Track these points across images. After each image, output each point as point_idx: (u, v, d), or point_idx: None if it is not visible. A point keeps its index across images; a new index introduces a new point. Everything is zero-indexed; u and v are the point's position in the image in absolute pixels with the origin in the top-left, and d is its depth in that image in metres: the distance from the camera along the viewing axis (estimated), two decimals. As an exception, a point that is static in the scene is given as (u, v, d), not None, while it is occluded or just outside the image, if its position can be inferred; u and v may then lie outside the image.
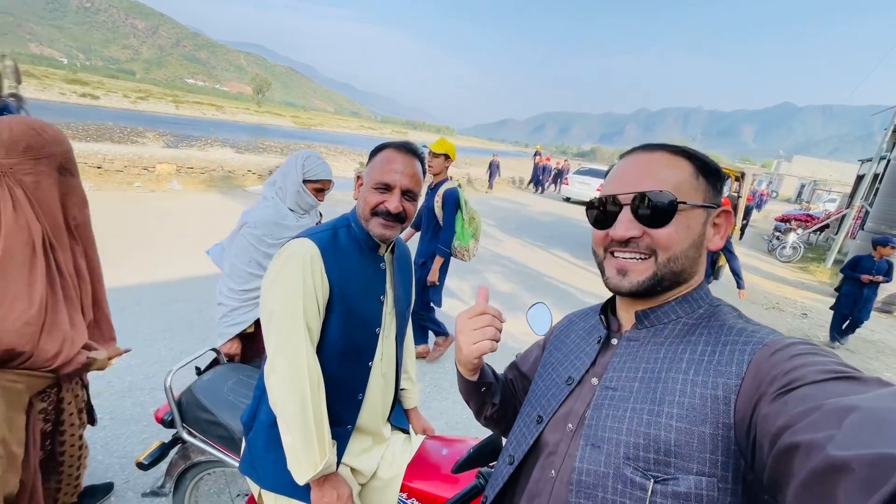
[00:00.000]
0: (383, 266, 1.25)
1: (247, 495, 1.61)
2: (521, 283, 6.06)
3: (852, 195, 14.76)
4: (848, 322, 5.59)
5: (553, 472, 0.69)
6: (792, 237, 11.87)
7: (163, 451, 1.47)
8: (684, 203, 0.65)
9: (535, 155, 17.70)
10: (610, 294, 0.78)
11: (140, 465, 1.42)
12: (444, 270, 3.44)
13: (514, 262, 7.08)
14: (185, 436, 1.45)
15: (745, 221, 11.55)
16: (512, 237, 8.88)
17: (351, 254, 1.17)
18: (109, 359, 1.52)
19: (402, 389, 1.45)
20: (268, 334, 1.09)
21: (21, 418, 1.33)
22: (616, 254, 0.69)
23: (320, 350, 1.14)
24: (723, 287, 7.82)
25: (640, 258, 0.67)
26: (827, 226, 14.30)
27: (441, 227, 3.28)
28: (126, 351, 1.63)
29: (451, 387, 3.26)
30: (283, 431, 1.07)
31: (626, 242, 0.67)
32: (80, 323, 1.44)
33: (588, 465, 0.63)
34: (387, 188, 1.14)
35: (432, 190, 3.31)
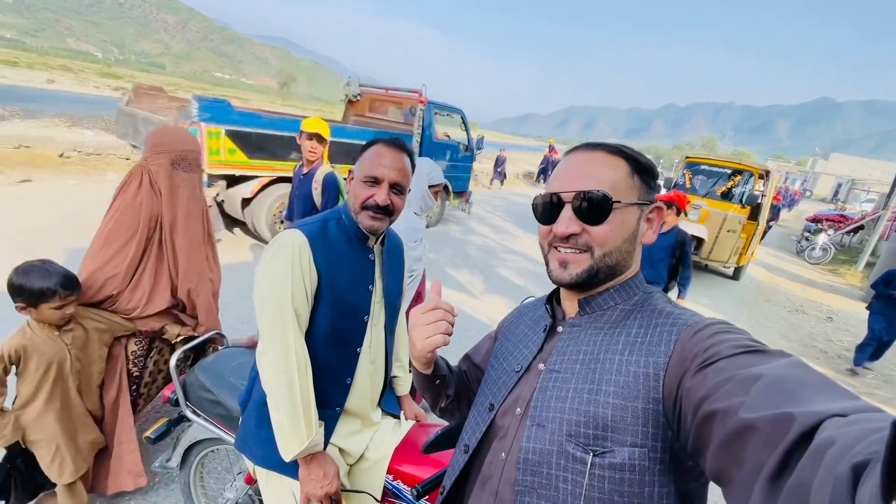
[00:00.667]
0: (372, 257, 1.29)
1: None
2: (533, 278, 6.05)
3: (889, 195, 14.07)
4: (876, 345, 4.69)
5: (503, 454, 0.73)
6: (822, 238, 11.43)
7: (168, 427, 1.56)
8: (619, 202, 0.69)
9: (549, 149, 17.48)
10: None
11: (148, 440, 1.51)
12: None
13: (528, 258, 7.05)
14: (189, 414, 1.53)
15: (770, 223, 11.08)
16: (527, 233, 8.84)
17: (340, 244, 1.22)
18: (178, 334, 1.87)
19: (394, 377, 1.50)
20: (260, 319, 1.15)
21: (103, 350, 1.72)
22: (559, 248, 0.73)
23: (309, 335, 1.20)
24: (741, 287, 7.62)
25: (579, 252, 0.71)
26: (862, 227, 13.70)
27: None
28: (207, 333, 1.85)
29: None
30: (273, 410, 1.13)
31: (566, 238, 0.71)
32: (162, 292, 1.80)
33: (534, 444, 0.67)
34: (375, 181, 1.18)
35: (306, 176, 2.85)
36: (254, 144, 4.80)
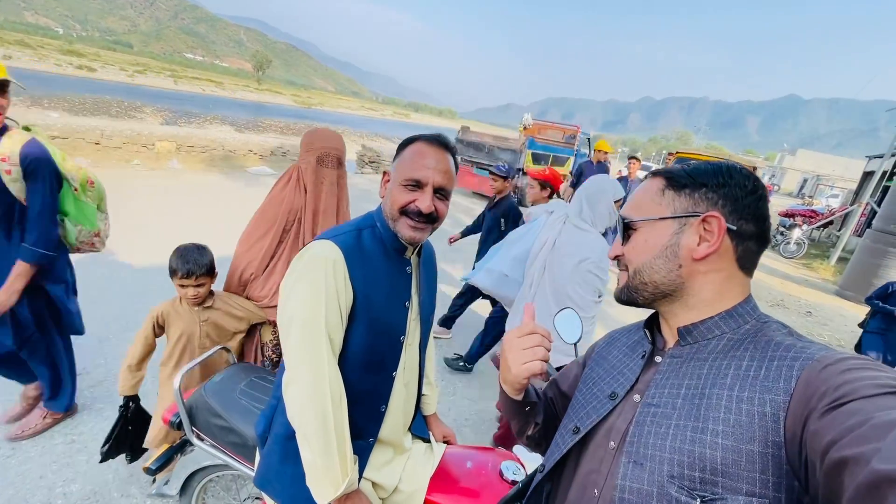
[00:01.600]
0: (409, 270, 1.16)
1: (258, 498, 1.56)
2: (526, 273, 5.99)
3: (857, 191, 14.64)
4: None
5: (596, 490, 0.68)
6: (797, 233, 11.78)
7: (170, 455, 1.41)
8: (633, 220, 0.72)
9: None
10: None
11: (147, 471, 1.36)
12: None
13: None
14: (195, 440, 1.37)
15: None
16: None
17: (376, 257, 1.08)
18: None
19: (422, 395, 1.38)
20: (286, 342, 1.01)
21: (236, 334, 1.81)
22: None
23: (343, 361, 1.06)
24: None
25: (624, 271, 0.75)
26: (831, 222, 14.22)
27: (28, 216, 1.77)
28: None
29: (458, 381, 3.21)
30: (303, 447, 1.00)
31: (618, 260, 0.77)
32: None
33: (631, 483, 0.62)
34: (417, 185, 1.04)
35: None
36: None
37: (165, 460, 1.39)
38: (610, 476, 0.66)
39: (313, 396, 0.98)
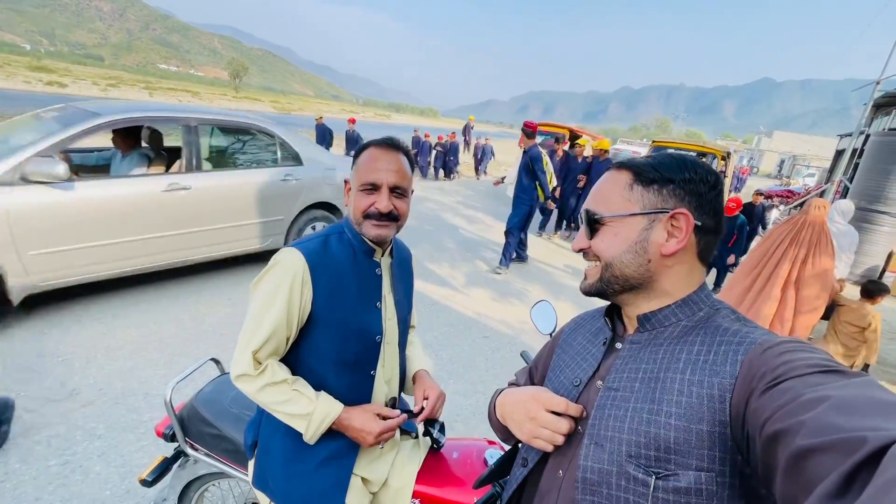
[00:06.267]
0: (379, 272, 1.22)
1: (254, 503, 1.59)
2: (513, 270, 6.07)
3: (832, 169, 15.00)
4: None
5: (560, 471, 0.72)
6: (774, 213, 12.07)
7: (165, 466, 1.44)
8: (604, 216, 0.73)
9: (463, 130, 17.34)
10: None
11: (144, 483, 1.38)
12: None
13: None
14: (189, 450, 1.41)
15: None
16: (499, 222, 8.85)
17: (342, 261, 1.15)
18: None
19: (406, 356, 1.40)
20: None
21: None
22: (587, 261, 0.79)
23: (316, 361, 1.15)
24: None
25: (595, 264, 0.76)
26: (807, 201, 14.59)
27: None
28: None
29: (448, 377, 3.27)
30: (276, 415, 1.09)
31: (582, 252, 0.78)
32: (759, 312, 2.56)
33: (592, 464, 0.66)
34: (374, 188, 1.11)
35: None
36: None
37: (161, 472, 1.42)
38: (574, 458, 0.70)
39: (258, 381, 1.07)
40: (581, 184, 7.75)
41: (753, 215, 6.59)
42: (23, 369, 2.70)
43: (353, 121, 11.99)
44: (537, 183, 5.59)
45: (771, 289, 3.15)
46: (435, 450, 1.32)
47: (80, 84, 49.30)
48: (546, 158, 5.73)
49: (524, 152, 5.58)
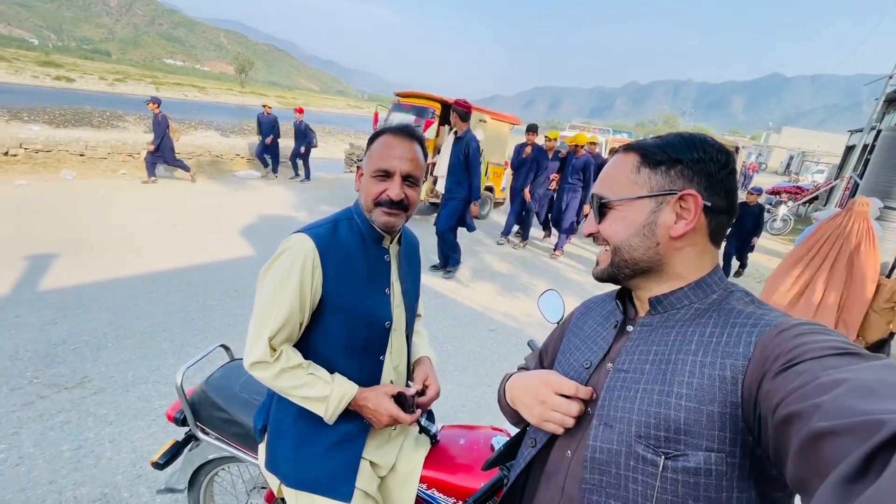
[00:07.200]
0: (387, 258, 1.22)
1: (263, 488, 1.62)
2: (519, 263, 6.07)
3: (841, 166, 14.83)
4: None
5: (569, 451, 0.72)
6: (783, 210, 11.97)
7: (177, 449, 1.46)
8: (610, 200, 0.72)
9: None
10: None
11: (155, 465, 1.41)
12: None
13: (512, 242, 7.06)
14: (200, 434, 1.43)
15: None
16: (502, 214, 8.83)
17: (351, 247, 1.14)
18: None
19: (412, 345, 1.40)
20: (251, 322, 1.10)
21: None
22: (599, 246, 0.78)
23: (326, 347, 1.15)
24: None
25: (606, 249, 0.75)
26: (816, 197, 14.43)
27: None
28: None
29: (454, 370, 3.28)
30: (294, 400, 1.10)
31: (592, 237, 0.77)
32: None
33: (601, 444, 0.66)
34: (387, 175, 1.10)
35: None
36: None
37: (172, 455, 1.44)
38: (582, 438, 0.70)
39: (274, 367, 1.07)
40: (553, 185, 6.97)
41: (748, 216, 6.14)
42: (35, 358, 2.74)
43: (300, 111, 10.38)
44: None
45: (818, 281, 3.75)
46: (432, 441, 1.32)
47: (88, 79, 49.59)
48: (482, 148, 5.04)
49: (458, 138, 4.79)
